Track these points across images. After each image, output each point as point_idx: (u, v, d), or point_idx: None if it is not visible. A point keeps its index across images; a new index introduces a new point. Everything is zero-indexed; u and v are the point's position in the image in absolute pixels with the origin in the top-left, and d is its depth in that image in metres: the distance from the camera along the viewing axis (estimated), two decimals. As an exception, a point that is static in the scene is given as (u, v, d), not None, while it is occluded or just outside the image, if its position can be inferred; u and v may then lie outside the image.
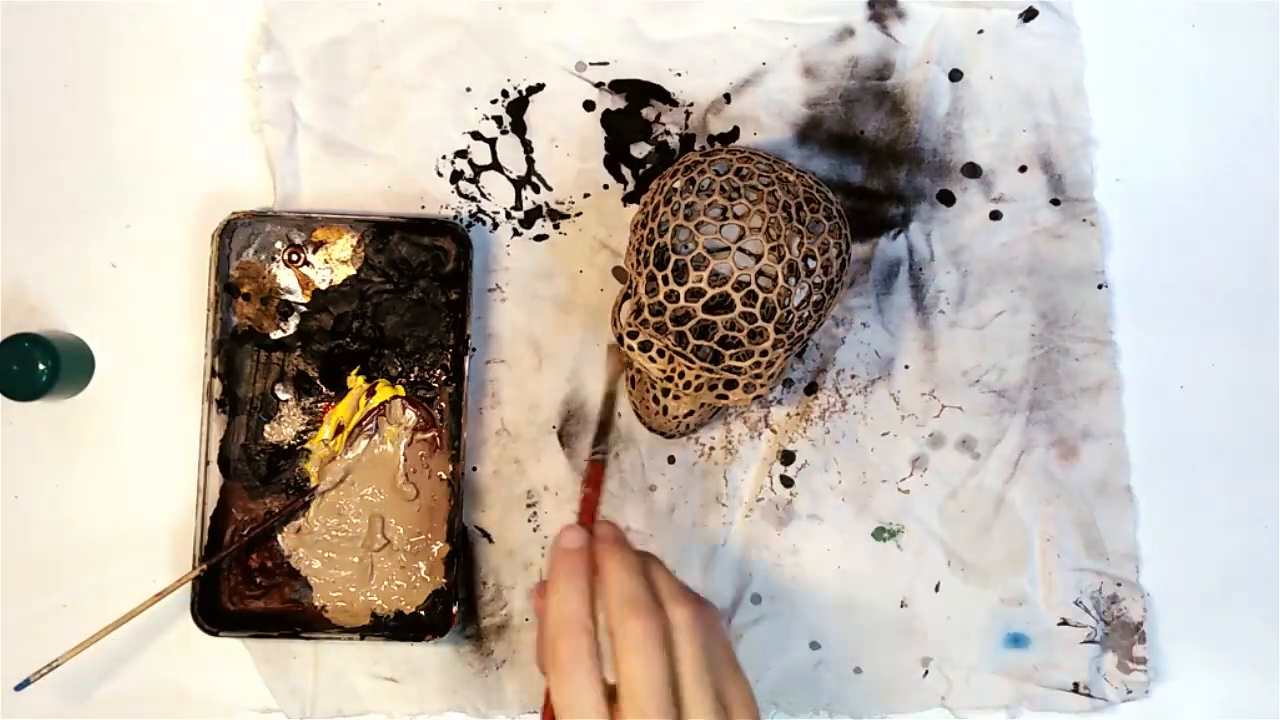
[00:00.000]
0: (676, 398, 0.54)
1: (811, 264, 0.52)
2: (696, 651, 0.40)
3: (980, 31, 0.61)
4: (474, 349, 0.58)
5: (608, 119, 0.61)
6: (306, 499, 0.58)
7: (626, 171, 0.60)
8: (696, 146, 0.60)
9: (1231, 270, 0.61)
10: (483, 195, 0.60)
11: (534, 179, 0.60)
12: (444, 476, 0.58)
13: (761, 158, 0.53)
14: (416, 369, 0.58)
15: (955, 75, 0.61)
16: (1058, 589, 0.58)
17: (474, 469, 0.59)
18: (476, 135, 0.60)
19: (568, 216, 0.60)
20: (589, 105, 0.61)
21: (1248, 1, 0.63)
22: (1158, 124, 0.62)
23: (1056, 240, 0.60)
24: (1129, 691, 0.58)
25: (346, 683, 0.58)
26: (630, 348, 0.52)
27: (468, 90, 0.60)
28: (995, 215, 0.60)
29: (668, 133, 0.60)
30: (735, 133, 0.60)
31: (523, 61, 0.61)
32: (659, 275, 0.51)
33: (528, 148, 0.60)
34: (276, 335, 0.58)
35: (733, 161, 0.52)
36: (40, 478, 0.59)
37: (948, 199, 0.61)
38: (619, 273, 0.60)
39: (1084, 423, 0.59)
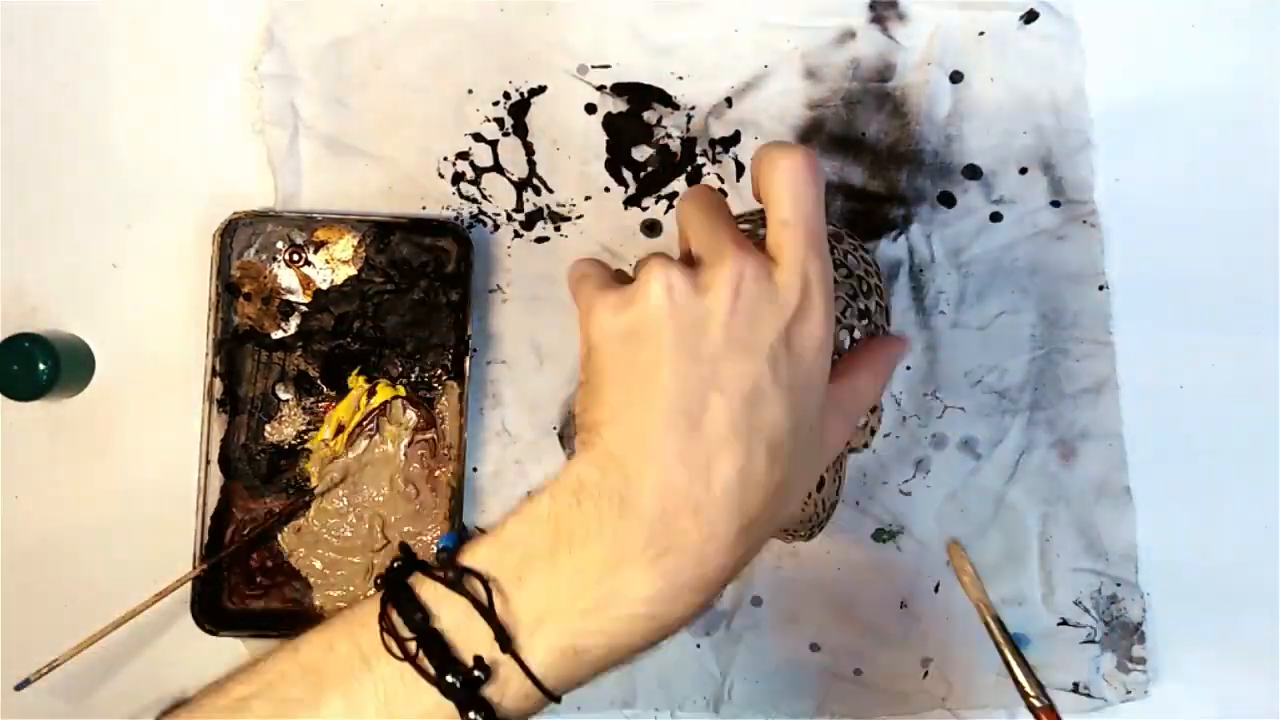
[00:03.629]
0: None
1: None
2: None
3: (981, 33, 0.61)
4: (475, 350, 0.58)
5: (609, 122, 0.61)
6: (307, 499, 0.58)
7: (628, 174, 0.60)
8: (698, 150, 0.60)
9: (1231, 270, 0.61)
10: (484, 197, 0.60)
11: (535, 181, 0.60)
12: (444, 477, 0.58)
13: None
14: (417, 369, 0.58)
15: (956, 77, 0.61)
16: (1057, 589, 0.59)
17: (474, 470, 0.59)
18: (478, 137, 0.60)
19: (569, 219, 0.60)
20: (591, 108, 0.61)
21: (1248, 2, 0.63)
22: (1158, 125, 0.62)
23: (1057, 242, 0.60)
24: (1128, 692, 0.58)
25: (347, 683, 0.58)
26: None
27: (469, 92, 0.60)
28: (996, 217, 0.61)
29: (669, 136, 0.60)
30: (737, 136, 0.60)
31: (525, 64, 0.61)
32: None
33: (529, 150, 0.60)
34: (277, 335, 0.58)
35: None
36: (40, 478, 0.59)
37: (948, 201, 0.61)
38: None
39: (1084, 423, 0.59)
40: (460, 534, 0.37)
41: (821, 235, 0.38)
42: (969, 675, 0.58)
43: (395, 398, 0.58)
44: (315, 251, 0.59)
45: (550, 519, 0.36)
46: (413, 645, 0.35)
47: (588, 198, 0.60)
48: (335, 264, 0.59)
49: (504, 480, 0.59)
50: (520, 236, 0.60)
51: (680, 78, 0.61)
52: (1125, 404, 0.60)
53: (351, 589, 0.57)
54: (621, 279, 0.40)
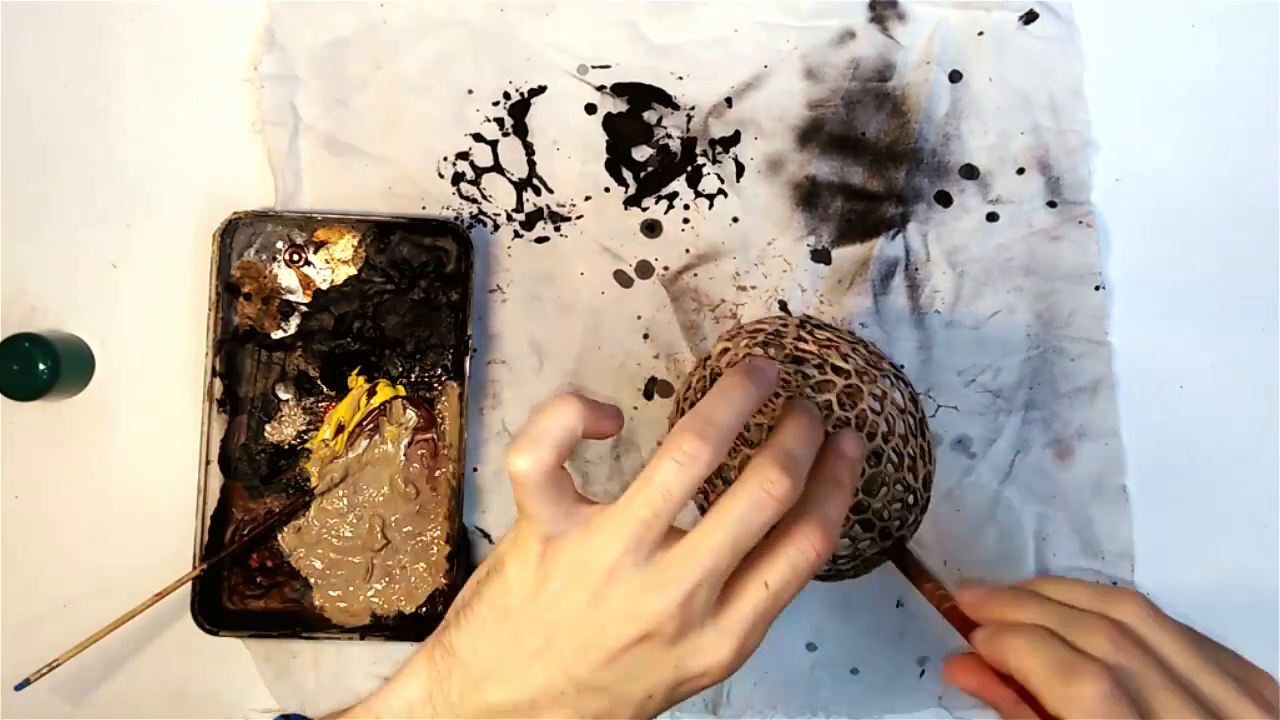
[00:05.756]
0: None
1: None
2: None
3: (980, 33, 0.62)
4: (475, 349, 0.58)
5: (609, 122, 0.61)
6: (307, 499, 0.58)
7: (628, 174, 0.60)
8: (698, 150, 0.61)
9: (1231, 270, 0.61)
10: (484, 197, 0.60)
11: (535, 181, 0.60)
12: (444, 477, 0.58)
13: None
14: (417, 369, 0.58)
15: (955, 76, 0.61)
16: (1053, 588, 0.59)
17: (474, 469, 0.59)
18: (478, 137, 0.60)
19: (569, 219, 0.60)
20: (590, 108, 0.61)
21: (1248, 2, 0.63)
22: (1157, 126, 0.62)
23: (1052, 242, 0.61)
24: (1124, 690, 0.58)
25: (346, 683, 0.58)
26: None
27: (469, 92, 0.60)
28: (992, 217, 0.61)
29: (669, 136, 0.61)
30: (737, 136, 0.60)
31: (525, 64, 0.61)
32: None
33: (529, 150, 0.60)
34: (277, 335, 0.58)
35: None
36: (40, 478, 0.59)
37: (945, 200, 0.61)
38: (620, 276, 0.60)
39: (1080, 422, 0.60)
40: None
41: None
42: (966, 674, 0.58)
43: (395, 398, 0.58)
44: (315, 251, 0.59)
45: None
46: None
47: (588, 198, 0.60)
48: (335, 264, 0.59)
49: (504, 480, 0.59)
50: (520, 236, 0.60)
51: (680, 78, 0.61)
52: (1124, 403, 0.60)
53: (351, 589, 0.57)
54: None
